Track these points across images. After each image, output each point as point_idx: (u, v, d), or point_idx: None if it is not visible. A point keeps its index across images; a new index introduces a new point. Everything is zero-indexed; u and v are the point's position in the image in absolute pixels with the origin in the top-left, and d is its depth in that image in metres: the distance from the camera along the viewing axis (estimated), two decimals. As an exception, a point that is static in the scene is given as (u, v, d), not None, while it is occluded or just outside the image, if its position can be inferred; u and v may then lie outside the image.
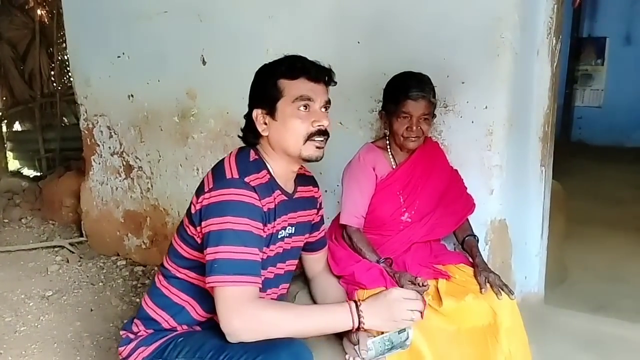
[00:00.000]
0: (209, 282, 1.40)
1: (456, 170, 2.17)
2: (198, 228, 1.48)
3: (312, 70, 1.53)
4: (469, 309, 1.80)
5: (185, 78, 3.18)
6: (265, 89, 1.54)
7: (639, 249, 3.73)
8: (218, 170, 1.53)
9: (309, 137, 1.52)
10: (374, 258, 1.95)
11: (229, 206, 1.42)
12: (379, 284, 1.86)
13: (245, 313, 1.36)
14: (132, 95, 3.48)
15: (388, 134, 2.08)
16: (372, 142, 2.18)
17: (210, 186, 1.48)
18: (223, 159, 1.57)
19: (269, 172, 1.56)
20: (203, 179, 1.56)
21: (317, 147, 1.54)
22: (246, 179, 1.47)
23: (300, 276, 1.98)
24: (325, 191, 2.68)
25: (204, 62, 3.07)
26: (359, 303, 1.44)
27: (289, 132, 1.52)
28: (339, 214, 2.11)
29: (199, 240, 1.50)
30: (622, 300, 2.97)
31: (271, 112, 1.53)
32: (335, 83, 1.60)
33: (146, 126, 3.47)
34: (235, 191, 1.44)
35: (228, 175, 1.48)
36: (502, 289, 1.82)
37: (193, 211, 1.51)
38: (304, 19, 2.66)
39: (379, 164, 2.08)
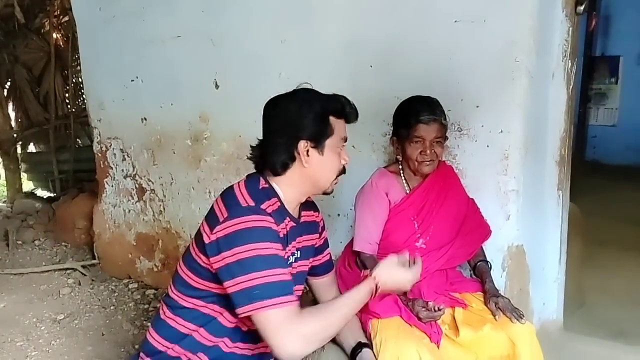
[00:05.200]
0: (247, 310, 1.39)
1: (472, 200, 2.13)
2: (213, 258, 1.46)
3: (353, 115, 1.61)
4: (487, 340, 1.76)
5: (198, 102, 3.20)
6: (316, 122, 1.54)
7: (659, 271, 3.65)
8: (230, 198, 1.52)
9: (340, 174, 1.62)
10: (389, 286, 1.91)
11: (251, 233, 1.43)
12: (393, 312, 1.83)
13: (296, 332, 1.38)
14: (145, 119, 3.50)
15: (401, 159, 2.06)
16: (384, 167, 2.15)
17: (225, 215, 1.47)
18: (232, 187, 1.57)
19: (279, 199, 1.57)
20: (212, 206, 1.55)
21: (335, 183, 1.63)
22: (262, 206, 1.48)
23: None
24: (339, 215, 2.66)
25: (216, 86, 3.08)
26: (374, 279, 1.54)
27: (329, 168, 1.59)
28: (351, 240, 2.08)
29: (213, 271, 1.48)
30: (643, 326, 2.89)
31: (318, 146, 1.55)
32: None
33: (159, 149, 3.48)
34: (254, 217, 1.44)
35: (243, 204, 1.48)
36: (513, 314, 1.78)
37: (207, 242, 1.48)
38: (316, 43, 2.66)
39: (392, 189, 2.05)
